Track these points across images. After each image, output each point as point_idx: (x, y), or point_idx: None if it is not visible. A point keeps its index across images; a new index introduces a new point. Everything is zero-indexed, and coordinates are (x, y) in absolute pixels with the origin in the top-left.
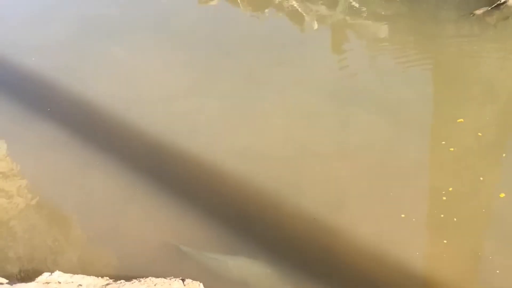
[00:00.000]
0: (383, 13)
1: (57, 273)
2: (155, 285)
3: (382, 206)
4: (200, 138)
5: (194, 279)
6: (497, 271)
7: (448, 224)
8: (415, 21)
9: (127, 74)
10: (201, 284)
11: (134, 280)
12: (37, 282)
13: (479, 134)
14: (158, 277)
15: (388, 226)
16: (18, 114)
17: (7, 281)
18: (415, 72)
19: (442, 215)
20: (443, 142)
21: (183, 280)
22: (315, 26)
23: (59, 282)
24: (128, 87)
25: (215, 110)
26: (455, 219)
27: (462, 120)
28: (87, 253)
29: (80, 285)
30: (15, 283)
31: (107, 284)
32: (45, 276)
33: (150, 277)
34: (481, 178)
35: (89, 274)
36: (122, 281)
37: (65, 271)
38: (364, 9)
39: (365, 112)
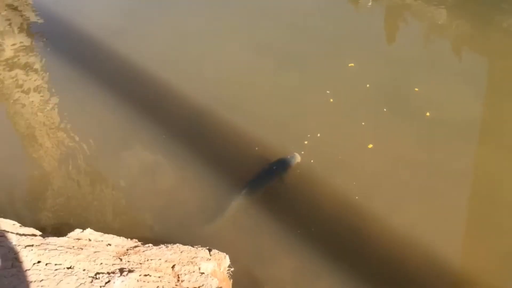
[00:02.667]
0: None
1: (88, 230)
2: (181, 252)
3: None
4: None
5: (220, 250)
6: None
7: (303, 165)
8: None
9: None
10: (227, 256)
11: (162, 245)
12: (68, 237)
13: (367, 85)
14: (185, 245)
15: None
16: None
17: (40, 233)
18: None
19: (302, 152)
20: (328, 91)
21: (209, 250)
22: (369, 3)
23: (89, 240)
24: None
25: None
26: (311, 161)
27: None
28: (120, 214)
29: (109, 244)
30: (47, 236)
31: (135, 246)
32: (77, 232)
33: (177, 244)
34: (354, 129)
35: (119, 235)
36: (150, 245)
37: (96, 230)
38: None
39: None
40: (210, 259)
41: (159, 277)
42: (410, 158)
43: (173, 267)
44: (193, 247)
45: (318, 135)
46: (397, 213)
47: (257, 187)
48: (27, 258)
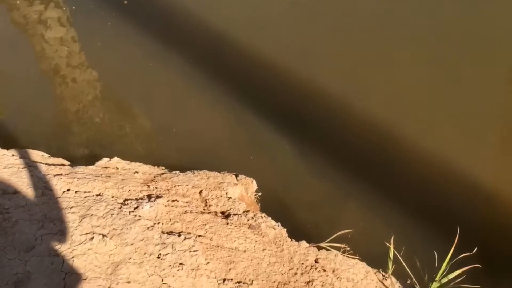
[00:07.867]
0: None
1: (115, 158)
2: (208, 177)
3: None
4: None
5: (247, 175)
6: None
7: None
8: None
9: None
10: (254, 181)
11: (188, 172)
12: (96, 166)
13: None
14: (212, 171)
15: None
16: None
17: (68, 163)
18: None
19: None
20: None
21: (236, 175)
22: None
23: (117, 168)
24: None
25: None
26: None
27: None
28: (145, 143)
29: (136, 172)
30: (76, 165)
31: (162, 173)
32: (104, 161)
33: (204, 170)
34: None
35: (146, 163)
36: (177, 171)
37: (123, 158)
38: None
39: None
40: (237, 184)
41: (186, 202)
42: None
43: (200, 192)
44: (220, 173)
45: None
46: None
47: None
48: (57, 186)
